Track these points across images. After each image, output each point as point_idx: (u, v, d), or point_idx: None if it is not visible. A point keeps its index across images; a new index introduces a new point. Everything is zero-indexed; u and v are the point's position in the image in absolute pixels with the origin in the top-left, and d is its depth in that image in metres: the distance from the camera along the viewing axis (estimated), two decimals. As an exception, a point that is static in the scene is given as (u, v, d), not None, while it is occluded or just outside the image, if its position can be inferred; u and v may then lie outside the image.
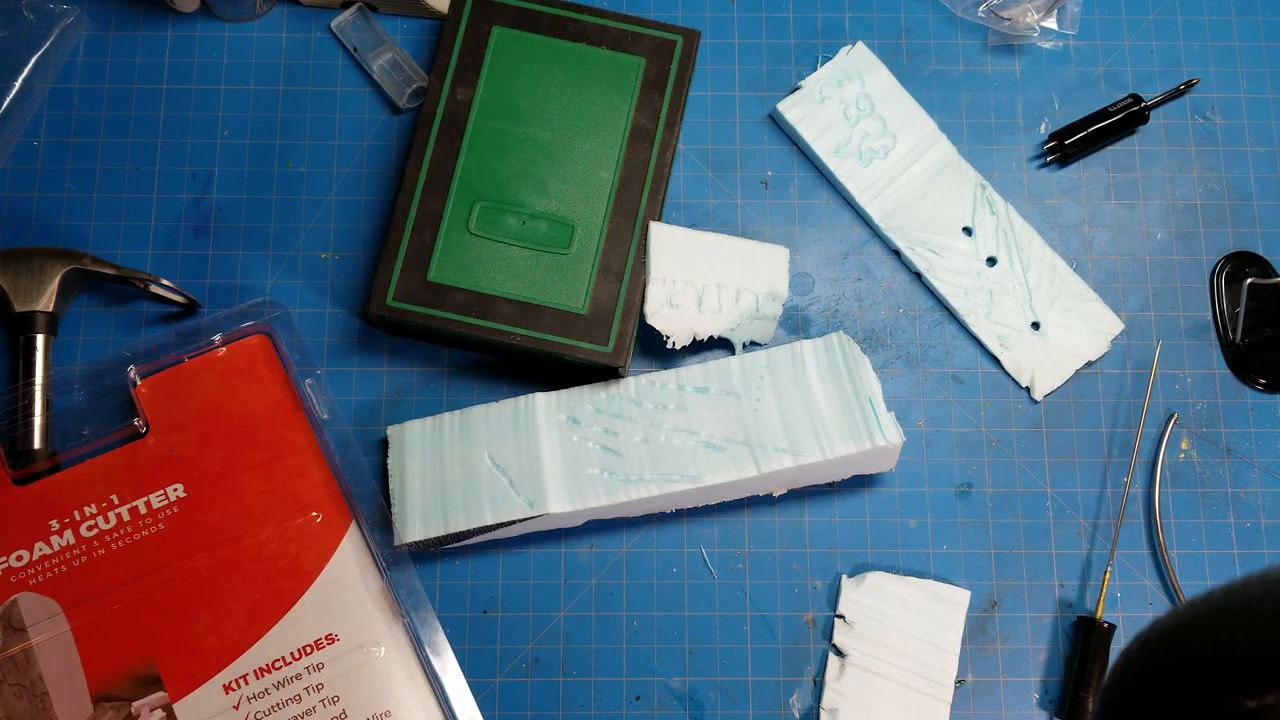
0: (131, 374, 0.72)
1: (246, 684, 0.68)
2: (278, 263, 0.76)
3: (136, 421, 0.71)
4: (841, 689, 0.70)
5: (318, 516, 0.71)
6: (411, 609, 0.70)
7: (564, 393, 0.71)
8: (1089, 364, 0.76)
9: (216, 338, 0.73)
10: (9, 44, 0.77)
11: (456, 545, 0.71)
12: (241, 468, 0.71)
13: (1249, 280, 0.77)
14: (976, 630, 0.72)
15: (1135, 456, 0.74)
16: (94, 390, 0.72)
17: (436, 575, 0.72)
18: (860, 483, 0.74)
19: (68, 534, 0.69)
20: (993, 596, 0.73)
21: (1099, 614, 0.71)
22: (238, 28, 0.80)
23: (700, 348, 0.75)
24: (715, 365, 0.72)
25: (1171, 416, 0.75)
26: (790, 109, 0.78)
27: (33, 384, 0.71)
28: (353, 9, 0.79)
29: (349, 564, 0.70)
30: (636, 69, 0.74)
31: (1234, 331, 0.77)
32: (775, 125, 0.79)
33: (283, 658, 0.68)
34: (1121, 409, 0.75)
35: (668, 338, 0.71)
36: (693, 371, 0.72)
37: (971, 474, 0.74)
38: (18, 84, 0.77)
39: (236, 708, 0.67)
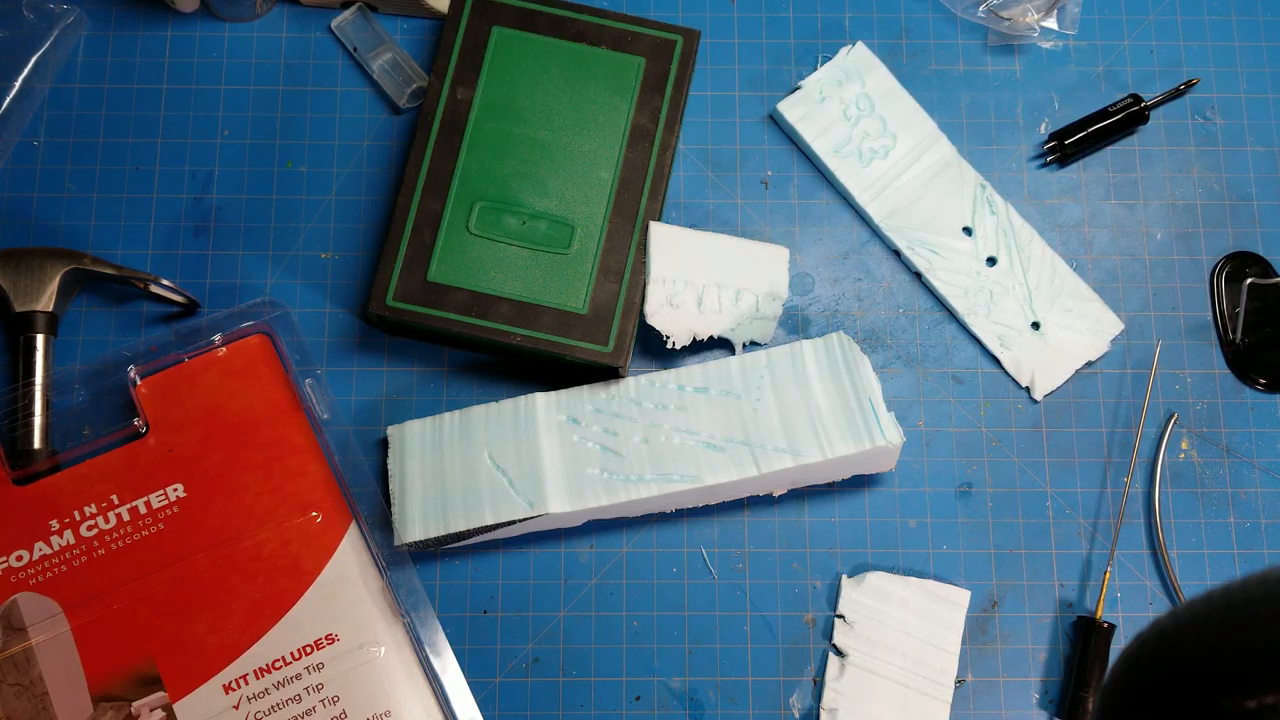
0: (131, 374, 0.72)
1: (246, 684, 0.68)
2: (278, 263, 0.76)
3: (136, 421, 0.71)
4: (841, 689, 0.70)
5: (318, 516, 0.71)
6: (411, 609, 0.70)
7: (564, 393, 0.71)
8: (1089, 364, 0.76)
9: (216, 338, 0.73)
10: (9, 44, 0.77)
11: (456, 545, 0.71)
12: (241, 468, 0.71)
13: (1249, 280, 0.77)
14: (976, 630, 0.72)
15: (1135, 456, 0.74)
16: (94, 390, 0.72)
17: (436, 575, 0.72)
18: (860, 483, 0.74)
19: (68, 534, 0.69)
20: (993, 596, 0.73)
21: (1099, 614, 0.71)
22: (238, 28, 0.80)
23: (700, 348, 0.75)
24: (715, 365, 0.72)
25: (1171, 416, 0.75)
26: (790, 109, 0.78)
27: (33, 384, 0.71)
28: (353, 9, 0.79)
29: (349, 564, 0.70)
30: (636, 69, 0.74)
31: (1234, 331, 0.77)
32: (775, 125, 0.79)
33: (283, 658, 0.68)
34: (1121, 409, 0.75)
35: (668, 338, 0.71)
36: (693, 371, 0.72)
37: (971, 474, 0.74)
38: (18, 84, 0.77)
39: (236, 708, 0.67)
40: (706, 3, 0.81)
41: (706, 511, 0.73)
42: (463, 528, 0.68)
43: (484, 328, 0.70)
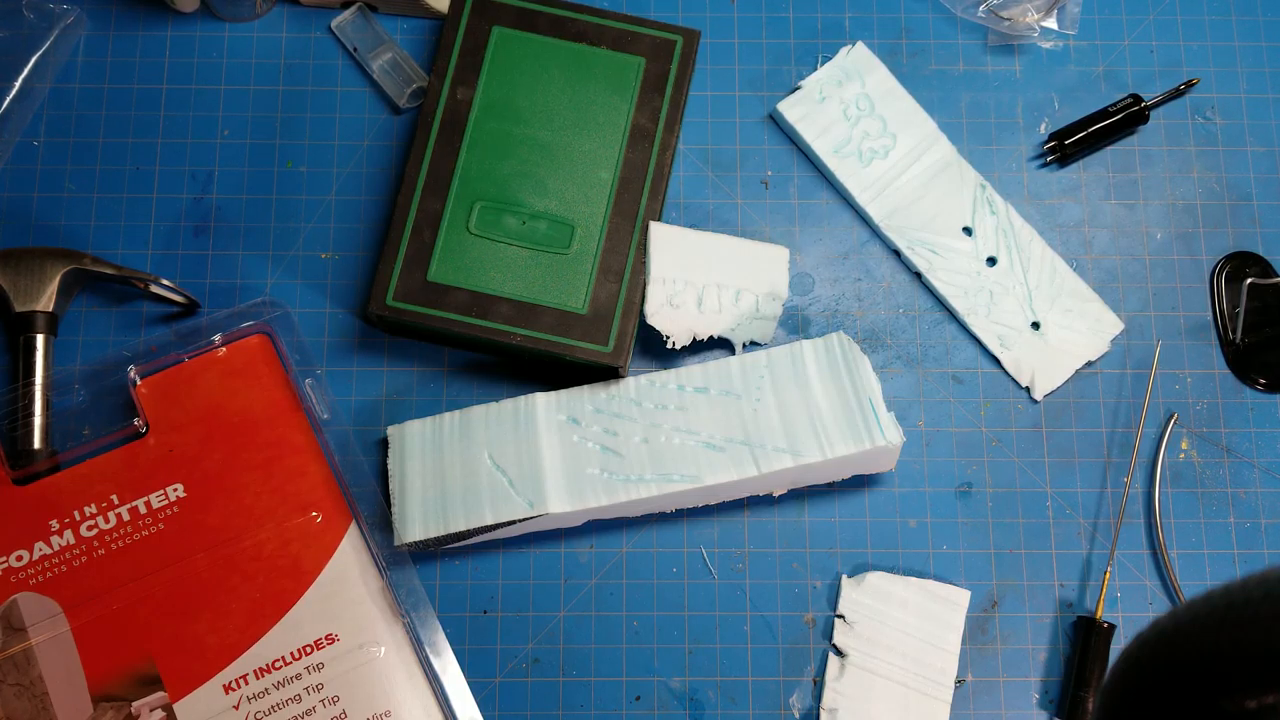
0: (131, 374, 0.72)
1: (246, 684, 0.68)
2: (278, 263, 0.76)
3: (136, 421, 0.71)
4: (841, 689, 0.70)
5: (318, 516, 0.71)
6: (411, 609, 0.70)
7: (564, 393, 0.71)
8: (1089, 364, 0.76)
9: (216, 338, 0.73)
10: (9, 44, 0.77)
11: (456, 545, 0.71)
12: (241, 468, 0.71)
13: (1249, 280, 0.77)
14: (976, 630, 0.72)
15: (1135, 456, 0.74)
16: (94, 390, 0.72)
17: (436, 575, 0.72)
18: (860, 483, 0.74)
19: (68, 534, 0.69)
20: (993, 596, 0.73)
21: (1099, 614, 0.71)
22: (238, 28, 0.80)
23: (700, 348, 0.75)
24: (715, 365, 0.72)
25: (1171, 416, 0.75)
26: (790, 109, 0.78)
27: (33, 384, 0.71)
28: (353, 9, 0.79)
29: (349, 564, 0.70)
30: (636, 69, 0.74)
31: (1234, 331, 0.77)
32: (775, 125, 0.79)
33: (283, 658, 0.68)
34: (1121, 409, 0.75)
35: (668, 338, 0.71)
36: (693, 371, 0.72)
37: (971, 474, 0.74)
38: (18, 84, 0.77)
39: (236, 708, 0.67)
40: (706, 3, 0.81)
41: (706, 511, 0.73)
42: (463, 528, 0.68)
43: (484, 328, 0.70)
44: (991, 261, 0.77)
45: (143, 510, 0.70)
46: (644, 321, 0.71)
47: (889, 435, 0.69)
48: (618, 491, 0.68)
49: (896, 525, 0.73)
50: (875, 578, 0.71)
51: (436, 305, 0.70)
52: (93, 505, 0.70)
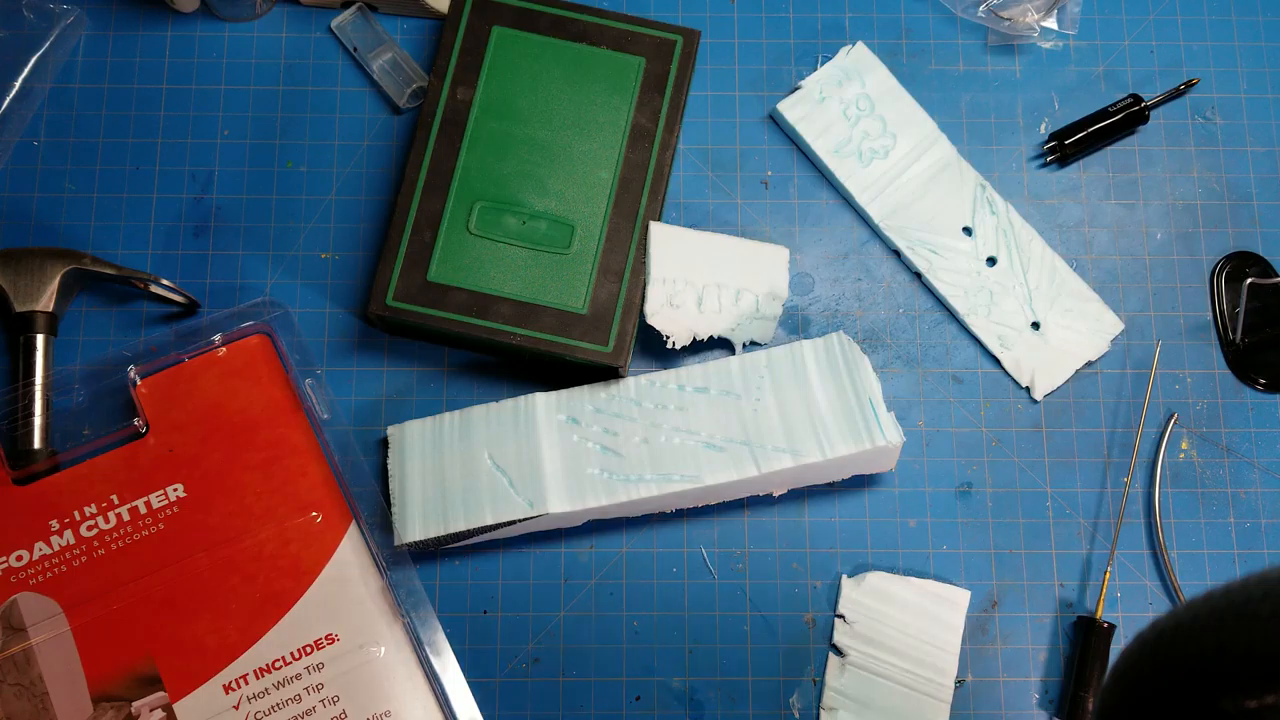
0: (131, 374, 0.72)
1: (246, 684, 0.68)
2: (278, 263, 0.76)
3: (136, 421, 0.71)
4: (841, 689, 0.70)
5: (318, 516, 0.71)
6: (411, 609, 0.70)
7: (564, 393, 0.71)
8: (1089, 364, 0.76)
9: (216, 338, 0.73)
10: (9, 44, 0.77)
11: (456, 545, 0.71)
12: (241, 468, 0.71)
13: (1249, 280, 0.77)
14: (976, 630, 0.72)
15: (1135, 456, 0.74)
16: (94, 390, 0.72)
17: (436, 575, 0.72)
18: (860, 483, 0.74)
19: (68, 534, 0.69)
20: (993, 596, 0.73)
21: (1099, 614, 0.71)
22: (238, 28, 0.80)
23: (700, 348, 0.75)
24: (715, 365, 0.72)
25: (1171, 416, 0.75)
26: (790, 109, 0.78)
27: (33, 384, 0.71)
28: (353, 9, 0.79)
29: (349, 564, 0.70)
30: (636, 69, 0.74)
31: (1234, 331, 0.77)
32: (775, 125, 0.79)
33: (283, 658, 0.68)
34: (1121, 409, 0.75)
35: (668, 338, 0.71)
36: (693, 371, 0.72)
37: (971, 474, 0.74)
38: (18, 84, 0.77)
39: (236, 708, 0.67)
40: (706, 3, 0.81)
41: (706, 511, 0.73)
42: (463, 528, 0.68)
43: (484, 328, 0.70)
44: (991, 261, 0.77)
45: (143, 510, 0.70)
46: (644, 321, 0.71)
47: (889, 435, 0.69)
48: (618, 491, 0.68)
49: (896, 525, 0.73)
50: (875, 578, 0.71)
51: (436, 305, 0.70)
52: (93, 505, 0.70)
